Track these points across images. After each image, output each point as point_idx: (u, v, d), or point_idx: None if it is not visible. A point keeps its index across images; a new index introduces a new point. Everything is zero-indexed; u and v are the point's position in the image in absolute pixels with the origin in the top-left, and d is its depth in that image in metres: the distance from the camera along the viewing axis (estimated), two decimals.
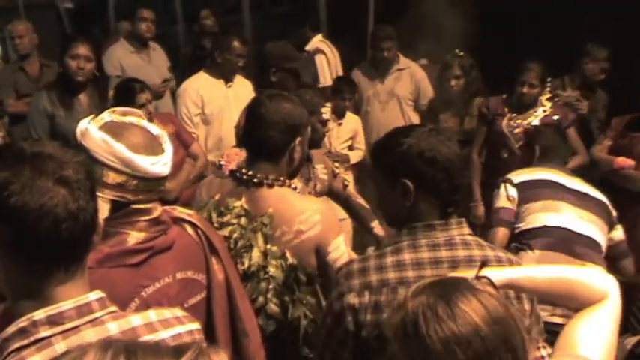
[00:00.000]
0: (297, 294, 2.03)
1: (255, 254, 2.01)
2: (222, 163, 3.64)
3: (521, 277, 1.37)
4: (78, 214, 1.10)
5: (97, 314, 1.14)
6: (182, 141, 3.80)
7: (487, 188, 4.15)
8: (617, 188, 3.67)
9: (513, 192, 2.95)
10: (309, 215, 2.04)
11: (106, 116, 1.59)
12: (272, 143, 2.08)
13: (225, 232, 2.04)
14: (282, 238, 2.03)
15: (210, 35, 5.28)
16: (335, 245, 2.06)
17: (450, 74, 4.43)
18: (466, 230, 1.72)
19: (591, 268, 1.44)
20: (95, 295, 1.16)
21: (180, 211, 1.76)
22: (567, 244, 2.77)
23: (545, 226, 2.82)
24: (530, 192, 2.93)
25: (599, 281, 1.37)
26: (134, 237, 1.57)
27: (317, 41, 5.36)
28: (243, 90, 4.34)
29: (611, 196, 3.67)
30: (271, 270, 2.01)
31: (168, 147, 1.63)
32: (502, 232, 2.92)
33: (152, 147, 1.59)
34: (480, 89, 4.52)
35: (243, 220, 2.05)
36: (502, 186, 3.01)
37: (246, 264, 2.01)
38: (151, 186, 1.59)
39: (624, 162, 3.65)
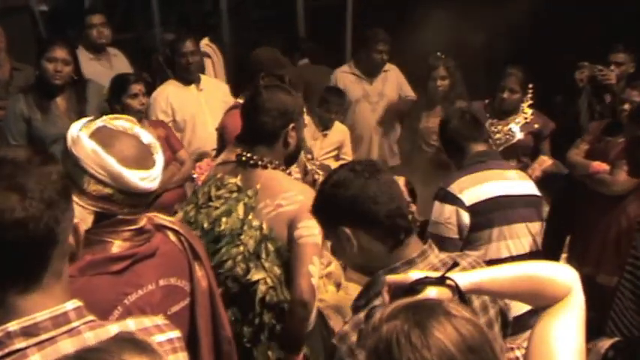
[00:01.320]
0: (262, 261, 2.16)
1: (233, 220, 2.19)
2: (195, 175, 3.65)
3: (485, 280, 1.33)
4: (26, 222, 1.05)
5: (73, 324, 1.11)
6: (170, 145, 3.80)
7: None
8: (592, 192, 3.72)
9: (466, 218, 2.68)
10: (293, 194, 2.19)
11: (99, 122, 1.56)
12: (266, 129, 2.27)
13: (217, 203, 2.25)
14: (263, 210, 2.20)
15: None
16: (305, 224, 2.12)
17: (436, 75, 4.47)
18: (437, 251, 1.71)
19: (553, 263, 1.42)
20: (72, 304, 1.13)
21: (162, 218, 1.74)
22: None
23: (511, 257, 2.70)
24: (482, 217, 2.70)
25: (563, 275, 1.35)
26: (118, 246, 1.55)
27: (203, 45, 5.35)
28: (216, 93, 4.33)
29: (587, 200, 3.74)
30: (244, 238, 2.17)
31: (159, 158, 1.61)
32: None
33: (143, 159, 1.56)
34: (463, 92, 4.56)
35: (234, 195, 2.25)
36: (451, 208, 2.68)
37: (222, 226, 2.19)
38: (137, 201, 1.57)
39: (600, 166, 3.69)
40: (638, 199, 3.48)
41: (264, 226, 2.17)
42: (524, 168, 3.82)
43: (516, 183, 2.87)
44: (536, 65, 4.44)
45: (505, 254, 2.72)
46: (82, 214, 1.46)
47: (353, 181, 1.63)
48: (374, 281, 1.64)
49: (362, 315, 1.59)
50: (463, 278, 1.31)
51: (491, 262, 2.62)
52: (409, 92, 5.00)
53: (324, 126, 4.48)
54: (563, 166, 3.95)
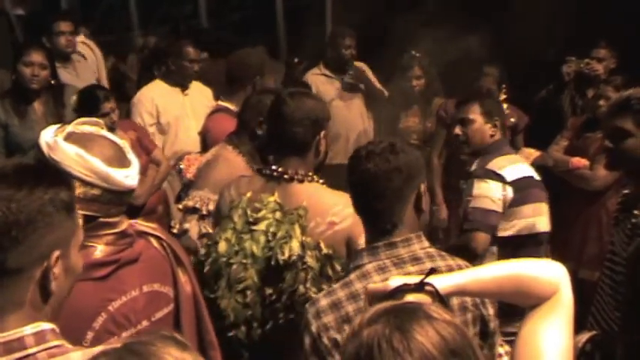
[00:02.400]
0: (332, 282, 2.08)
1: (295, 245, 2.08)
2: (182, 167, 3.62)
3: (468, 282, 1.31)
4: None
5: (30, 351, 1.07)
6: (144, 147, 3.76)
7: (448, 190, 4.20)
8: (572, 188, 3.76)
9: (511, 192, 2.77)
10: (341, 208, 2.10)
11: (69, 127, 1.56)
12: (299, 139, 2.16)
13: (262, 226, 2.12)
14: (315, 229, 2.10)
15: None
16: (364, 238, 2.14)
17: (411, 75, 4.47)
18: (426, 243, 1.73)
19: (539, 260, 1.41)
20: (31, 329, 1.09)
21: (143, 225, 1.73)
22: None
23: (541, 233, 2.85)
24: (522, 193, 2.80)
25: (549, 272, 1.33)
26: (101, 250, 1.54)
27: (78, 42, 4.97)
28: (200, 98, 4.30)
29: (567, 196, 3.77)
30: (308, 260, 2.07)
31: (133, 157, 1.61)
32: (485, 238, 2.70)
33: (122, 159, 1.57)
34: (439, 88, 4.57)
35: (278, 214, 2.13)
36: (496, 184, 2.77)
37: (287, 254, 2.07)
38: (121, 199, 1.57)
39: (579, 162, 3.72)
40: (617, 194, 3.52)
41: (322, 245, 2.09)
42: None
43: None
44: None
45: (540, 229, 2.84)
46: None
47: (358, 152, 1.76)
48: (355, 256, 1.75)
49: (336, 285, 1.70)
50: (444, 281, 1.29)
51: (527, 237, 2.79)
52: (377, 85, 4.98)
53: None
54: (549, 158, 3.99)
